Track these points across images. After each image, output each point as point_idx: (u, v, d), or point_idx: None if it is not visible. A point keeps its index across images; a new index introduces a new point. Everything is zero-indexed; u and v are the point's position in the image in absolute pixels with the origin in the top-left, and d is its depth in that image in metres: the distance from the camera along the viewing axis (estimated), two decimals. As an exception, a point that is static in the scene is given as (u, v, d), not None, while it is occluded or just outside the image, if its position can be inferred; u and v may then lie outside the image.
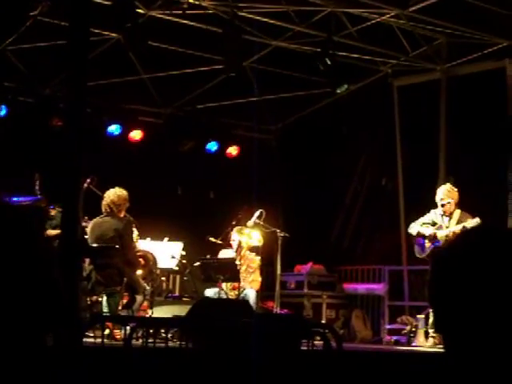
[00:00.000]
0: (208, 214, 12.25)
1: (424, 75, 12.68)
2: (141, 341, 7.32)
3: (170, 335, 7.92)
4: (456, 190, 9.87)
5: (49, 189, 9.44)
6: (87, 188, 9.11)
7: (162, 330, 7.95)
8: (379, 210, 13.49)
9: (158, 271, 10.20)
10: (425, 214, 9.98)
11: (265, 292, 11.83)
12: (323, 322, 11.92)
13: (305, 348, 6.95)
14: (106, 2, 9.68)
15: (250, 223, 10.62)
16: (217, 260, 10.34)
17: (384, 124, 13.28)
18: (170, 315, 8.74)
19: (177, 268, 10.59)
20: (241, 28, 10.52)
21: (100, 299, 8.80)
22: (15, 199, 9.20)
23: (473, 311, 1.37)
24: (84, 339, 6.99)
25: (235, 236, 10.61)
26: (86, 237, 8.88)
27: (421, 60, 12.39)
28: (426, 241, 9.80)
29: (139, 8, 10.25)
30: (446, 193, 9.79)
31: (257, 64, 12.10)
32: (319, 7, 10.87)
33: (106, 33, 10.87)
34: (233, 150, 13.32)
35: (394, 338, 11.41)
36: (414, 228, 9.93)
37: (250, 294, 10.10)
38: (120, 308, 8.78)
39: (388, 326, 12.06)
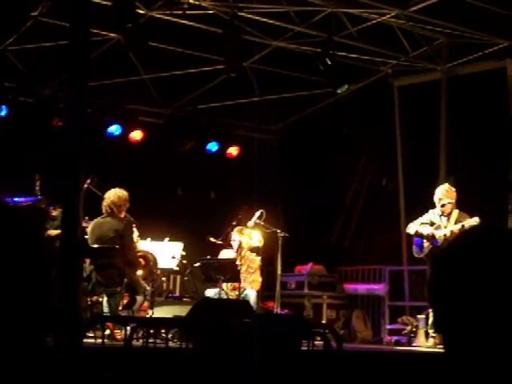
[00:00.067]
0: (208, 215, 12.25)
1: (424, 75, 12.68)
2: (141, 341, 7.31)
3: (170, 335, 7.91)
4: (454, 189, 9.87)
5: (49, 189, 9.44)
6: (87, 188, 9.11)
7: (163, 331, 7.95)
8: (380, 210, 13.49)
9: (159, 271, 10.20)
10: (425, 213, 9.98)
11: (265, 292, 11.83)
12: (323, 322, 11.92)
13: (305, 348, 6.95)
14: (107, 3, 9.68)
15: (250, 223, 10.62)
16: (217, 260, 10.34)
17: (384, 124, 13.28)
18: (170, 315, 8.74)
19: (177, 268, 10.59)
20: (241, 28, 10.52)
21: (100, 300, 8.80)
22: (16, 200, 9.20)
23: (472, 311, 1.37)
24: (84, 340, 6.99)
25: (236, 236, 10.61)
26: (86, 237, 8.87)
27: (421, 60, 12.39)
28: (425, 240, 9.79)
29: (139, 8, 10.25)
30: (444, 193, 9.78)
31: (257, 64, 12.10)
32: (319, 7, 10.87)
33: (106, 33, 10.87)
34: (233, 150, 13.32)
35: (395, 338, 11.41)
36: (412, 228, 9.92)
37: (251, 295, 10.10)
38: (120, 308, 8.78)
39: (388, 327, 12.06)
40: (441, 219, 9.77)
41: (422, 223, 9.86)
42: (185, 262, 10.55)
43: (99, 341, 7.27)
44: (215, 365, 6.06)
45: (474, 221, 9.36)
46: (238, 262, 10.23)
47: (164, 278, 10.82)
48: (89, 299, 8.79)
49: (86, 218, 8.92)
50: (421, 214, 10.02)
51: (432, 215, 9.86)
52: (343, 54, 11.69)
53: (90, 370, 5.72)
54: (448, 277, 1.41)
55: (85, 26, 6.44)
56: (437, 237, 9.67)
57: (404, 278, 12.69)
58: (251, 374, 5.90)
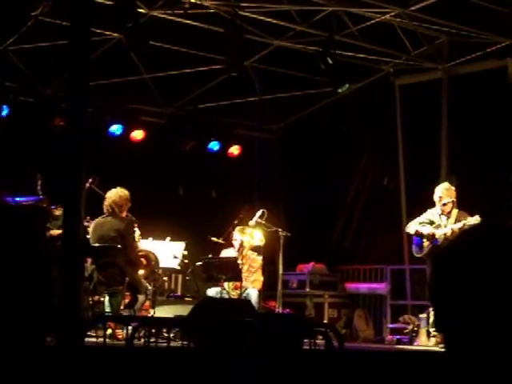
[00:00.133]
0: (210, 214, 12.25)
1: (426, 74, 12.68)
2: (143, 340, 7.32)
3: (171, 335, 7.92)
4: (454, 188, 9.87)
5: (51, 189, 9.44)
6: (89, 188, 9.11)
7: (164, 330, 7.95)
8: (381, 210, 13.48)
9: (160, 271, 10.20)
10: (424, 213, 9.97)
11: (267, 291, 11.82)
12: (325, 321, 11.91)
13: (307, 347, 6.95)
14: (108, 2, 9.68)
15: (251, 223, 10.62)
16: (219, 259, 10.34)
17: (386, 123, 13.28)
18: (171, 315, 8.75)
19: (179, 268, 10.60)
20: (242, 27, 10.52)
21: (102, 299, 8.81)
22: (17, 199, 9.20)
23: (474, 310, 1.37)
24: (86, 339, 7.00)
25: (237, 235, 10.61)
26: (87, 237, 8.88)
27: (422, 59, 12.38)
28: (424, 240, 9.77)
29: (141, 8, 10.25)
30: (444, 192, 9.77)
31: (258, 63, 12.11)
32: (321, 6, 10.87)
33: (107, 33, 10.87)
34: (234, 150, 13.32)
35: (396, 337, 11.40)
36: (412, 227, 9.91)
37: (252, 294, 10.10)
38: (122, 308, 8.79)
39: (390, 326, 12.05)
40: (440, 218, 9.76)
41: (421, 222, 9.84)
42: (186, 261, 10.55)
43: (101, 340, 7.28)
44: (217, 364, 6.06)
45: (475, 219, 9.35)
46: (239, 262, 10.23)
47: (165, 278, 10.83)
48: (90, 298, 8.80)
49: (88, 217, 8.93)
50: (422, 213, 10.01)
51: (431, 214, 9.84)
52: (344, 53, 11.69)
53: (91, 370, 5.72)
54: (449, 276, 1.41)
55: (86, 26, 6.44)
56: (437, 236, 9.65)
57: (406, 277, 12.68)
58: (253, 373, 5.90)
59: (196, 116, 12.86)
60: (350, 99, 12.71)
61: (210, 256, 10.49)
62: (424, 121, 12.66)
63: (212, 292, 10.20)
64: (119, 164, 11.73)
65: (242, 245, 10.52)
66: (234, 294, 10.23)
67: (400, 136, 12.98)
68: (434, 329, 9.71)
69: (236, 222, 10.84)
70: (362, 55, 12.09)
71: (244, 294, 10.12)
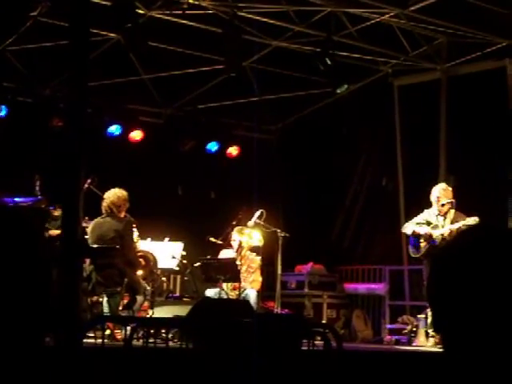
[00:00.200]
0: (208, 214, 12.25)
1: (424, 75, 12.68)
2: (141, 341, 7.32)
3: (170, 335, 7.92)
4: (451, 189, 9.87)
5: (49, 189, 9.44)
6: (87, 188, 9.11)
7: (163, 331, 7.95)
8: (379, 210, 13.49)
9: (159, 271, 10.20)
10: (420, 213, 9.97)
11: (265, 292, 11.82)
12: (324, 321, 11.92)
13: (305, 348, 6.95)
14: (106, 3, 9.68)
15: (250, 223, 10.62)
16: (217, 260, 10.34)
17: (384, 124, 13.28)
18: (170, 315, 8.74)
19: (177, 268, 10.59)
20: (241, 28, 10.52)
21: (100, 300, 8.80)
22: (16, 200, 9.20)
23: (471, 310, 1.37)
24: (85, 340, 7.00)
25: (236, 236, 10.61)
26: (86, 237, 8.87)
27: (421, 60, 12.39)
28: (421, 240, 9.76)
29: (139, 8, 10.25)
30: (442, 192, 9.76)
31: (257, 64, 12.11)
32: (319, 7, 10.87)
33: (106, 33, 10.87)
34: (233, 150, 13.32)
35: (395, 337, 11.41)
36: (409, 227, 9.90)
37: (251, 294, 10.10)
38: (120, 308, 8.78)
39: (389, 326, 12.06)
40: (437, 219, 9.75)
41: (418, 223, 9.83)
42: (185, 261, 10.55)
43: (99, 341, 7.27)
44: (215, 365, 6.06)
45: (473, 220, 9.36)
46: (238, 262, 10.23)
47: (164, 278, 10.82)
48: (89, 299, 8.79)
49: (86, 218, 8.92)
50: (420, 213, 10.01)
51: (428, 215, 9.84)
52: (343, 53, 11.69)
53: (90, 370, 5.72)
54: (447, 276, 1.41)
55: (84, 26, 6.44)
56: (434, 236, 9.65)
57: (404, 277, 12.69)
58: (251, 373, 5.90)
59: (195, 116, 12.86)
60: (348, 100, 12.71)
61: (208, 257, 10.49)
62: (422, 121, 12.66)
63: (211, 292, 10.20)
64: (118, 164, 11.73)
65: (240, 245, 10.52)
66: (233, 295, 10.23)
67: (398, 136, 12.98)
68: (432, 329, 9.71)
69: (235, 222, 10.84)
70: (361, 56, 12.09)
71: (243, 295, 10.12)
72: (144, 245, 9.90)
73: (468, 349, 1.38)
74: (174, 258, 10.34)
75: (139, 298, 8.98)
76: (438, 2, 10.46)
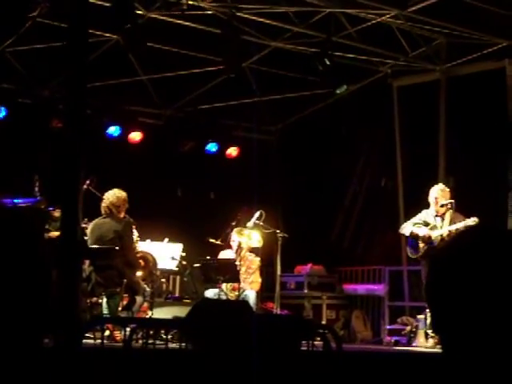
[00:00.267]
0: (208, 215, 12.25)
1: (423, 75, 12.68)
2: (141, 342, 7.31)
3: (169, 336, 7.92)
4: (448, 190, 9.87)
5: (48, 190, 9.44)
6: (87, 189, 9.11)
7: (162, 332, 7.95)
8: (379, 211, 13.49)
9: (158, 272, 10.19)
10: (418, 214, 9.96)
11: (265, 293, 11.83)
12: (323, 322, 11.91)
13: (305, 349, 6.95)
14: (106, 4, 9.68)
15: (249, 224, 10.62)
16: (217, 261, 10.34)
17: (384, 124, 13.28)
18: (169, 316, 8.75)
19: (177, 269, 10.60)
20: (240, 29, 10.52)
21: (100, 301, 8.80)
22: (15, 201, 9.20)
23: (470, 311, 1.37)
24: (84, 341, 6.99)
25: (235, 237, 10.62)
26: (85, 238, 8.87)
27: (420, 60, 12.39)
28: (420, 241, 9.74)
29: (138, 9, 10.25)
30: (440, 193, 9.74)
31: (256, 65, 12.12)
32: (318, 8, 10.87)
33: (105, 34, 10.87)
34: (233, 151, 13.32)
35: (394, 338, 11.41)
36: (407, 228, 9.87)
37: (250, 295, 10.10)
38: (120, 309, 8.78)
39: (388, 327, 12.06)
40: (435, 219, 9.73)
41: (416, 223, 9.81)
42: (184, 262, 10.55)
43: (99, 342, 7.27)
44: (215, 366, 6.06)
45: (473, 221, 9.35)
46: (237, 263, 10.23)
47: (163, 279, 10.82)
48: (88, 300, 8.79)
49: (86, 219, 8.92)
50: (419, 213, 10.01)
51: (426, 215, 9.82)
52: (342, 54, 11.69)
53: (89, 371, 5.72)
54: (446, 277, 1.41)
55: (83, 27, 6.44)
56: (433, 237, 9.63)
57: (403, 278, 12.68)
58: (251, 374, 5.90)
59: (194, 117, 12.86)
60: (347, 100, 12.71)
61: (208, 257, 10.49)
62: (422, 122, 12.67)
63: (210, 293, 10.21)
64: (117, 165, 11.73)
65: (239, 246, 10.53)
66: (232, 296, 10.23)
67: (398, 137, 12.98)
68: (431, 330, 9.70)
69: (234, 223, 10.84)
70: (360, 56, 12.09)
71: (242, 296, 10.13)
72: (143, 246, 9.90)
73: (467, 349, 1.38)
74: (173, 258, 10.34)
75: (139, 299, 8.98)
76: (437, 2, 10.46)
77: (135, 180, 11.12)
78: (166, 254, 10.32)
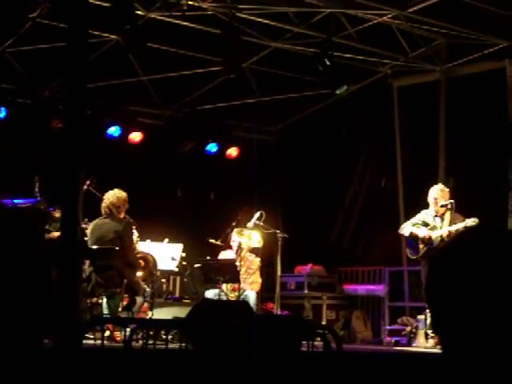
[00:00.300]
0: (208, 216, 12.25)
1: (423, 76, 12.69)
2: (141, 342, 7.32)
3: (170, 337, 7.92)
4: (448, 190, 9.86)
5: (48, 191, 9.44)
6: (87, 190, 9.11)
7: (162, 332, 7.95)
8: (379, 211, 13.49)
9: (158, 273, 10.19)
10: (417, 214, 9.95)
11: (265, 293, 11.83)
12: (323, 323, 11.92)
13: (305, 349, 6.95)
14: (106, 4, 9.68)
15: (249, 224, 10.62)
16: (217, 261, 10.34)
17: (384, 125, 13.28)
18: (170, 317, 8.74)
19: (177, 269, 10.60)
20: (240, 29, 10.52)
21: (100, 301, 8.80)
22: (15, 201, 9.20)
23: (470, 312, 1.37)
24: (84, 341, 7.00)
25: (235, 237, 10.62)
26: (85, 238, 8.87)
27: (420, 61, 12.39)
28: (419, 242, 9.71)
29: (138, 10, 10.25)
30: (440, 193, 9.72)
31: (256, 65, 12.12)
32: (318, 8, 10.87)
33: (105, 35, 10.87)
34: (233, 152, 13.32)
35: (395, 338, 11.41)
36: (407, 229, 9.84)
37: (250, 296, 10.10)
38: (120, 310, 8.78)
39: (388, 327, 12.06)
40: (434, 220, 9.71)
41: (415, 224, 9.78)
42: (184, 263, 10.55)
43: (99, 342, 7.27)
44: (215, 366, 6.06)
45: (473, 221, 9.34)
46: (237, 263, 10.23)
47: (164, 280, 10.82)
48: (88, 300, 8.79)
49: (86, 219, 8.92)
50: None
51: (425, 215, 9.79)
52: (342, 54, 11.69)
53: (89, 372, 5.72)
54: (446, 277, 1.41)
55: (83, 28, 6.44)
56: (433, 238, 9.61)
57: (404, 278, 12.68)
58: (251, 375, 5.90)
59: (194, 118, 12.87)
60: (347, 101, 12.71)
61: (208, 258, 10.49)
62: (422, 122, 12.67)
63: (210, 294, 10.20)
64: (117, 166, 11.74)
65: (240, 246, 10.52)
66: (232, 296, 10.23)
67: (398, 137, 12.99)
68: (431, 330, 9.70)
69: (234, 223, 10.84)
70: (360, 57, 12.09)
71: (242, 296, 10.12)
72: (143, 246, 9.90)
73: (467, 349, 1.38)
74: (173, 259, 10.34)
75: (139, 300, 8.98)
76: (438, 3, 10.46)
77: (135, 180, 11.12)
78: (166, 254, 10.32)
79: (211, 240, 10.80)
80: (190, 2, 10.24)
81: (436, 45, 12.30)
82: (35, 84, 11.56)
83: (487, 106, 11.69)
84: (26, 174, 9.89)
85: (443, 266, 1.43)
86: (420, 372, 6.85)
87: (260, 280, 10.53)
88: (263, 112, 13.22)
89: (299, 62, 11.95)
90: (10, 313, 1.37)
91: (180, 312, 8.81)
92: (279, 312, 10.85)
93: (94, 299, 8.84)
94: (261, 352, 6.03)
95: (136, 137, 12.41)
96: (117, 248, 8.83)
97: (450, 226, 9.55)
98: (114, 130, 12.20)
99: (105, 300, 8.74)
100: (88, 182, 9.35)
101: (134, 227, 9.29)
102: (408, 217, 10.48)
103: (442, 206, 9.68)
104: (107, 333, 8.02)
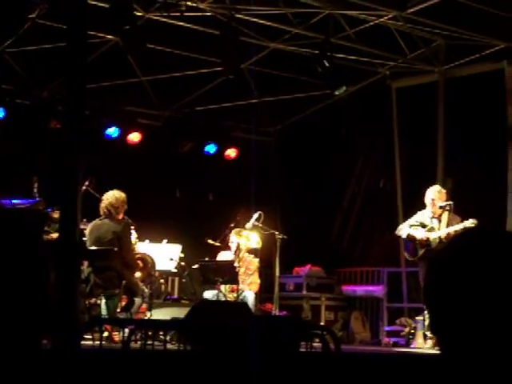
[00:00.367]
0: (206, 216, 12.25)
1: (422, 77, 12.69)
2: (139, 343, 7.31)
3: (168, 337, 7.91)
4: (445, 191, 9.85)
5: (47, 191, 9.43)
6: (85, 190, 9.11)
7: (161, 333, 7.94)
8: (378, 212, 13.49)
9: (157, 273, 10.19)
10: (414, 215, 9.95)
11: (263, 294, 11.83)
12: (322, 324, 11.91)
13: (303, 350, 6.94)
14: (104, 5, 9.68)
15: (248, 225, 10.62)
16: (215, 262, 10.34)
17: (382, 126, 13.29)
18: (168, 317, 8.73)
19: (175, 270, 10.59)
20: (238, 30, 10.52)
21: (98, 302, 8.79)
22: (14, 202, 9.19)
23: (468, 312, 1.37)
24: (82, 342, 6.99)
25: (234, 238, 10.61)
26: (84, 239, 8.87)
27: (419, 62, 12.40)
28: (417, 243, 9.68)
29: (137, 10, 10.25)
30: (437, 194, 9.70)
31: (255, 66, 12.12)
32: (317, 9, 10.87)
33: (104, 35, 10.87)
34: (231, 152, 13.32)
35: (393, 339, 11.41)
36: (404, 230, 9.82)
37: (249, 296, 10.10)
38: (118, 310, 8.77)
39: (387, 328, 12.06)
40: (432, 221, 9.69)
41: (412, 225, 9.76)
42: (183, 263, 10.55)
43: (97, 343, 7.26)
44: (213, 367, 6.06)
45: (471, 222, 9.32)
46: (236, 264, 10.23)
47: (162, 280, 10.81)
48: (87, 301, 8.78)
49: (84, 219, 8.92)
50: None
51: (422, 217, 9.77)
52: (341, 55, 11.70)
53: (87, 373, 5.72)
54: (443, 278, 1.42)
55: (82, 28, 6.44)
56: (431, 239, 9.58)
57: (402, 279, 12.69)
58: (250, 376, 5.90)
59: (193, 118, 12.86)
60: (346, 102, 12.72)
61: (206, 259, 10.49)
62: (420, 123, 12.68)
63: (209, 294, 10.20)
64: (116, 166, 11.73)
65: (238, 247, 10.52)
66: (231, 297, 10.22)
67: (396, 138, 12.99)
68: (430, 331, 9.69)
69: (233, 224, 10.84)
70: (359, 58, 12.10)
71: (241, 297, 10.12)
72: (142, 247, 9.89)
73: (465, 350, 1.38)
74: (172, 260, 10.34)
75: (137, 300, 8.97)
76: (436, 4, 10.47)
77: (134, 181, 11.11)
78: (165, 255, 10.32)
79: (210, 241, 10.80)
80: (189, 3, 10.24)
81: (435, 46, 12.31)
82: (34, 84, 11.55)
83: (485, 107, 11.70)
84: (25, 175, 9.89)
85: (441, 267, 1.43)
86: (418, 373, 6.85)
87: (258, 281, 10.53)
88: (262, 113, 13.22)
89: (298, 62, 11.96)
90: (8, 314, 1.37)
91: (178, 313, 8.80)
92: (278, 313, 10.85)
93: (93, 300, 8.83)
94: (259, 353, 6.03)
95: (135, 137, 12.41)
96: (115, 249, 8.82)
97: (447, 227, 9.54)
98: (112, 131, 12.20)
99: (103, 301, 8.74)
100: (87, 183, 9.35)
101: (132, 228, 9.29)
102: (407, 217, 10.48)
103: (440, 208, 9.66)
104: (106, 333, 8.02)
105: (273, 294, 11.07)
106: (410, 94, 12.74)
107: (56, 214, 9.15)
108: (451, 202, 9.69)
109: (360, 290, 12.98)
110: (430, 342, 9.86)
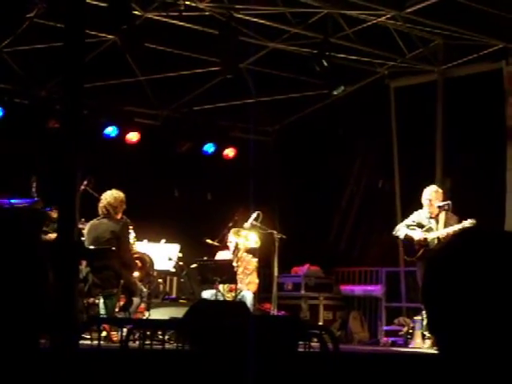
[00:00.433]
0: (205, 216, 12.25)
1: (421, 77, 12.70)
2: (138, 343, 7.31)
3: (166, 337, 7.91)
4: (441, 191, 9.84)
5: (45, 191, 9.43)
6: (84, 190, 9.10)
7: (159, 332, 7.94)
8: (376, 212, 13.49)
9: (155, 273, 10.19)
10: (410, 215, 9.94)
11: (262, 294, 11.82)
12: (320, 323, 11.91)
13: (302, 350, 6.94)
14: (103, 4, 9.68)
15: (246, 225, 10.62)
16: (214, 262, 10.34)
17: (381, 126, 13.29)
18: (166, 317, 8.73)
19: (174, 270, 10.59)
20: (237, 30, 10.52)
21: (97, 301, 8.79)
22: (12, 201, 9.19)
23: (466, 312, 1.37)
24: (81, 341, 6.99)
25: (232, 238, 10.61)
26: (82, 239, 8.87)
27: (417, 61, 12.40)
28: (415, 244, 9.66)
29: (136, 10, 10.25)
30: (434, 194, 9.69)
31: (253, 66, 12.12)
32: (316, 9, 10.87)
33: (102, 35, 10.87)
34: (230, 152, 13.32)
35: (391, 339, 11.41)
36: (401, 231, 9.79)
37: (247, 296, 10.09)
38: (117, 310, 8.77)
39: (385, 328, 12.06)
40: (429, 221, 9.67)
41: (409, 225, 9.75)
42: (181, 263, 10.55)
43: (95, 342, 7.26)
44: (212, 366, 6.06)
45: (470, 222, 9.32)
46: (234, 264, 10.23)
47: (160, 280, 10.81)
48: (85, 301, 8.78)
49: (83, 219, 8.92)
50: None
51: (419, 216, 9.75)
52: (340, 55, 11.70)
53: (86, 372, 5.72)
54: (441, 278, 1.41)
55: (80, 28, 6.44)
56: (429, 240, 9.57)
57: (400, 279, 12.69)
58: (248, 375, 5.89)
59: (191, 118, 12.86)
60: (345, 101, 12.72)
61: (205, 258, 10.49)
62: (419, 123, 12.68)
63: (207, 294, 10.20)
64: (114, 166, 11.73)
65: (237, 247, 10.52)
66: (229, 296, 10.22)
67: (395, 138, 13.00)
68: (428, 331, 9.69)
69: (231, 224, 10.83)
70: (358, 57, 12.10)
71: (239, 296, 10.12)
72: (140, 246, 9.89)
73: (463, 350, 1.38)
74: (170, 259, 10.34)
75: (135, 300, 8.97)
76: (435, 4, 10.47)
77: (132, 181, 11.11)
78: (163, 254, 10.31)
79: (208, 240, 10.80)
80: (187, 2, 10.24)
81: (433, 46, 12.32)
82: (32, 84, 11.55)
83: (484, 107, 11.70)
84: (23, 174, 9.88)
85: (439, 267, 1.43)
86: (417, 373, 6.85)
87: (257, 280, 10.53)
88: (260, 112, 13.22)
89: (296, 62, 11.96)
90: (6, 313, 1.37)
91: (177, 312, 8.80)
92: (276, 312, 10.85)
93: (91, 299, 8.83)
94: (257, 352, 6.03)
95: (133, 137, 12.40)
96: (114, 248, 8.82)
97: (445, 226, 9.52)
98: (110, 130, 12.20)
99: (101, 300, 8.74)
100: (85, 182, 9.34)
101: (130, 227, 9.28)
102: (405, 217, 10.47)
103: (438, 207, 9.65)
104: (104, 333, 8.01)
105: (271, 294, 11.08)
106: (408, 93, 12.74)
107: (54, 214, 9.14)
108: (449, 202, 9.69)
109: (358, 289, 12.98)
110: (428, 342, 9.86)
